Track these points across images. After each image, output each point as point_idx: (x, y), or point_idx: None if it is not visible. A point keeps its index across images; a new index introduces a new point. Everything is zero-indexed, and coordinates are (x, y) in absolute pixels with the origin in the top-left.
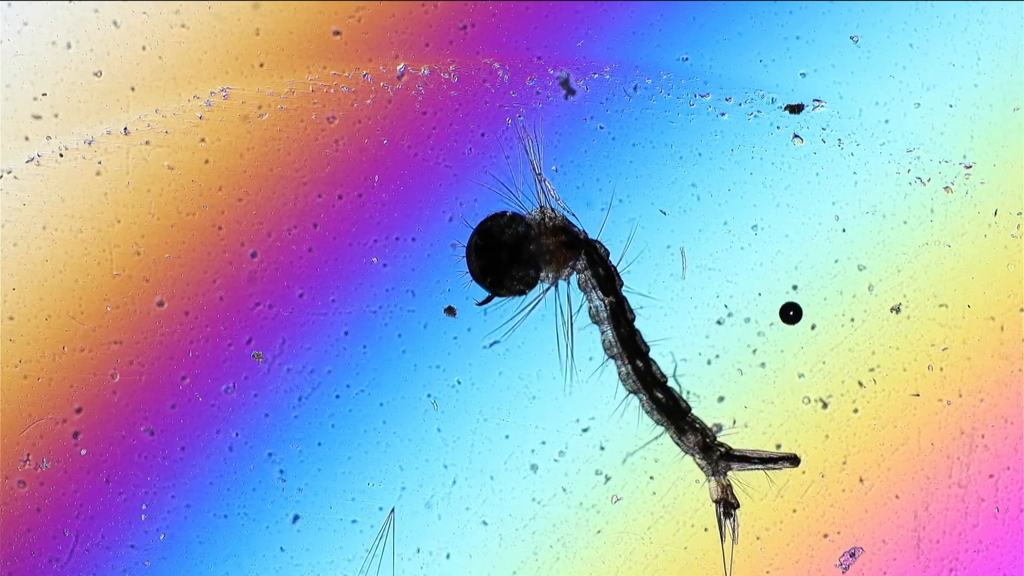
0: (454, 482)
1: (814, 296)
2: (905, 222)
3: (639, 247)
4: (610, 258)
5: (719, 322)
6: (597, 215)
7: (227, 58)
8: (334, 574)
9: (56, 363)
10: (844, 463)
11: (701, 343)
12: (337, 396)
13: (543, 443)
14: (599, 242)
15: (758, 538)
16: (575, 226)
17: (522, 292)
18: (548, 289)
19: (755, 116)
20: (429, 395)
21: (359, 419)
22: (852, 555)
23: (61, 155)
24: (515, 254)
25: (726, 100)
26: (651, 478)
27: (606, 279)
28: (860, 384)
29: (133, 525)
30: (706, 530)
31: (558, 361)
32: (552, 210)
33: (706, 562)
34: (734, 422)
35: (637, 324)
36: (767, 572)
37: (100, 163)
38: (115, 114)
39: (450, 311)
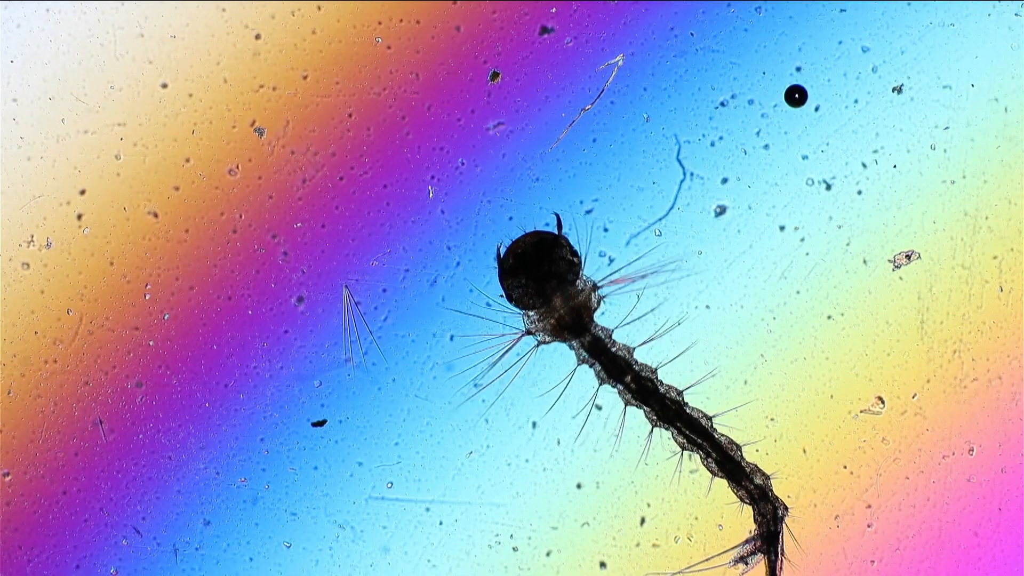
0: (458, 264)
1: (817, 77)
2: (908, 1)
3: (642, 28)
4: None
5: (723, 104)
6: None
7: None
8: (337, 356)
9: (59, 145)
10: (847, 244)
11: (705, 125)
12: (341, 178)
13: (546, 224)
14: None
15: (766, 322)
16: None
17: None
18: (530, 345)
19: None
20: (432, 176)
21: (363, 200)
22: (908, 257)
23: None
24: (538, 281)
25: None
26: (644, 277)
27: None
28: (863, 165)
29: (137, 307)
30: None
31: (562, 144)
32: (593, 290)
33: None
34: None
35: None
36: (772, 353)
37: None
38: None
39: (495, 76)
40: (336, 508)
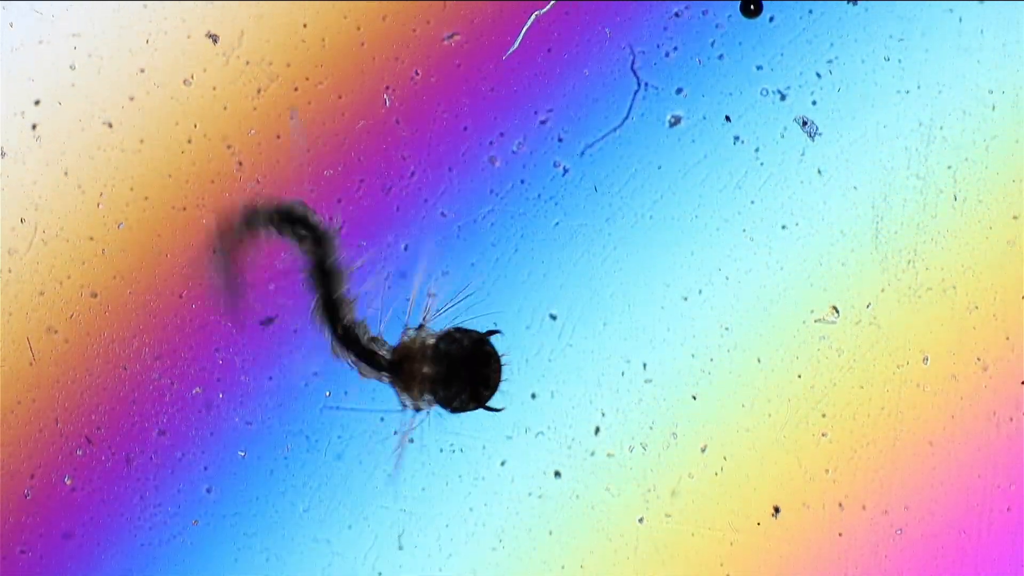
0: (412, 173)
1: None
2: None
3: None
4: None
5: (677, 14)
6: None
7: None
8: (291, 263)
9: (14, 54)
10: (802, 155)
11: (660, 35)
12: (296, 88)
13: (501, 135)
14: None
15: (720, 232)
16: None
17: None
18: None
19: None
20: (387, 87)
21: (317, 111)
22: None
23: None
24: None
25: None
26: (595, 189)
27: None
28: (818, 75)
29: (91, 216)
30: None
31: (516, 54)
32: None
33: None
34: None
35: None
36: (726, 263)
37: None
38: None
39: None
40: (291, 417)
